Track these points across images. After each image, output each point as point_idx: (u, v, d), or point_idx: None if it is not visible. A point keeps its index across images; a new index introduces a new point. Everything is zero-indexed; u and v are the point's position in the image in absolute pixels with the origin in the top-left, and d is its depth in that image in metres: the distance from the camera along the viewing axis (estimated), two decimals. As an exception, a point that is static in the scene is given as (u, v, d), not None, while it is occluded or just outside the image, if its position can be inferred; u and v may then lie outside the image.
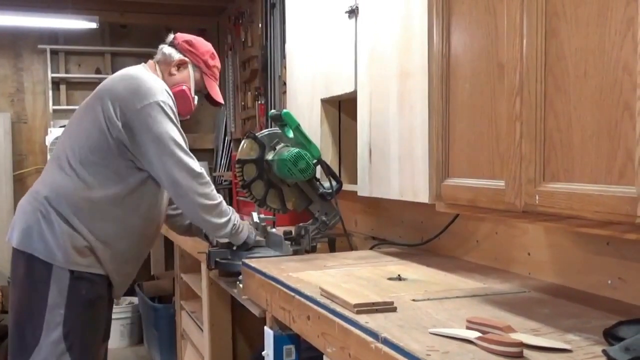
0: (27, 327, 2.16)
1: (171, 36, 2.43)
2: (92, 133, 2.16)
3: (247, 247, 2.40)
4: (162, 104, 2.15)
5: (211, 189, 2.23)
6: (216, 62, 2.44)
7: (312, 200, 2.46)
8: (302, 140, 2.40)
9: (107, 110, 2.14)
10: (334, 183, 2.44)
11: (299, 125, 2.40)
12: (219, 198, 2.26)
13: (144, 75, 2.23)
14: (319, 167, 2.45)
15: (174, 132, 2.15)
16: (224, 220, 2.26)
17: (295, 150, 2.35)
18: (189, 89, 2.35)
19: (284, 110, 2.43)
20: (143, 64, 2.38)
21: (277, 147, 2.44)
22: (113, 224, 2.20)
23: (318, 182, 2.47)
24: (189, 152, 2.19)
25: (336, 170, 2.75)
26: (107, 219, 2.18)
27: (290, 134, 2.43)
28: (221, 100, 2.49)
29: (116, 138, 2.14)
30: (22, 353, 2.16)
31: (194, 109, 2.40)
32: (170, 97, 2.23)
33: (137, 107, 2.12)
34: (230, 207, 2.34)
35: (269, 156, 2.43)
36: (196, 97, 2.41)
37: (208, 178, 2.23)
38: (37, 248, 2.13)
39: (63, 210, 2.14)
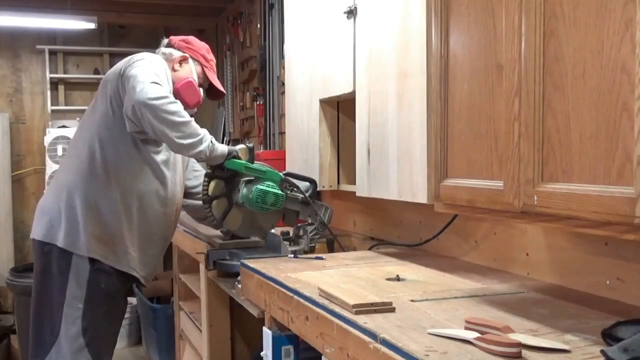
0: (46, 324, 2.19)
1: (165, 40, 2.55)
2: (104, 112, 2.25)
3: (231, 159, 2.31)
4: (149, 56, 2.26)
5: (179, 108, 2.12)
6: (212, 57, 2.58)
7: (297, 210, 2.48)
8: (258, 174, 2.38)
9: (113, 85, 2.24)
10: (307, 184, 2.48)
11: (246, 164, 2.34)
12: (187, 117, 2.15)
13: (143, 53, 2.31)
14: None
15: (152, 71, 2.16)
16: (195, 139, 2.15)
17: (257, 189, 2.34)
18: (194, 81, 2.45)
19: (226, 162, 2.30)
20: None
21: (240, 186, 2.39)
22: (130, 205, 2.26)
23: (293, 191, 2.45)
24: (159, 82, 2.14)
25: (334, 171, 2.76)
26: (124, 200, 2.25)
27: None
28: (222, 89, 2.58)
29: (121, 109, 2.19)
30: (41, 350, 2.18)
31: (202, 100, 2.48)
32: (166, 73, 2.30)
33: (129, 64, 2.21)
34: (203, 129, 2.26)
35: (237, 198, 2.40)
36: (201, 90, 2.50)
37: (173, 100, 2.13)
38: (58, 237, 2.18)
39: (82, 199, 2.20)
